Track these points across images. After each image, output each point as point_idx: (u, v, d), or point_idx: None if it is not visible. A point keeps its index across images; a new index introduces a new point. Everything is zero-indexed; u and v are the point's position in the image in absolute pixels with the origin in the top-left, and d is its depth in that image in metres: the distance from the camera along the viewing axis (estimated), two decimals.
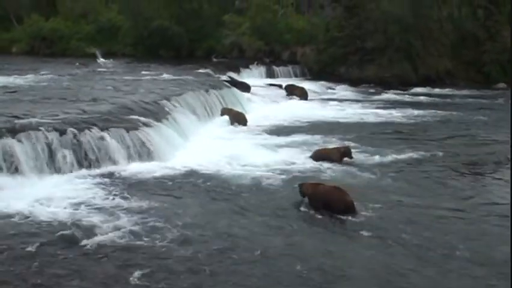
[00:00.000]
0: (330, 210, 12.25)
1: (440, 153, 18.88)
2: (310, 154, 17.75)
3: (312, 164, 16.84)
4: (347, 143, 19.17)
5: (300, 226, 11.73)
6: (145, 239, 10.59)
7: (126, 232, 10.82)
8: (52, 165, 14.46)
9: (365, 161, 17.37)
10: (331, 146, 18.59)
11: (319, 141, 20.40)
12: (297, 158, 17.60)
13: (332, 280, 9.26)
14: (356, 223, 11.85)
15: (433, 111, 29.91)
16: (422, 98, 36.72)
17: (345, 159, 17.06)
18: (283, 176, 15.32)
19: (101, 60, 46.44)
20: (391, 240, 10.97)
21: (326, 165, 16.69)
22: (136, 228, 11.07)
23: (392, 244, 10.78)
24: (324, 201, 12.43)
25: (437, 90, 40.33)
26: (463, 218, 12.42)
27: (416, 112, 29.40)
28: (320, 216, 12.22)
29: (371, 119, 27.26)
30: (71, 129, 15.53)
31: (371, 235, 11.21)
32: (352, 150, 17.51)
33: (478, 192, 14.59)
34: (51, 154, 14.61)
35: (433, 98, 36.53)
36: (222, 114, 24.56)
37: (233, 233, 11.20)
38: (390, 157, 18.06)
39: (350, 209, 12.21)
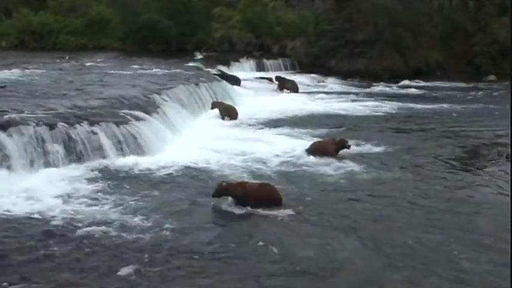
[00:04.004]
0: (259, 205, 12.28)
1: (427, 145, 19.13)
2: (304, 147, 17.75)
3: (306, 157, 16.91)
4: (338, 136, 19.03)
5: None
6: (135, 232, 10.70)
7: (116, 225, 10.94)
8: (42, 159, 14.50)
9: (355, 154, 17.39)
10: (326, 139, 18.55)
11: (311, 134, 20.49)
12: (290, 151, 17.61)
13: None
14: (284, 216, 11.95)
15: (423, 104, 30.13)
16: (412, 90, 36.93)
17: (342, 151, 17.11)
18: (276, 169, 15.53)
19: None
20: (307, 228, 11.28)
21: (319, 158, 16.73)
22: (125, 221, 11.19)
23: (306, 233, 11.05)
24: (254, 198, 12.39)
25: (427, 83, 40.47)
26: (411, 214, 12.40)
27: (406, 105, 29.58)
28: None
29: (362, 112, 27.40)
30: (62, 123, 15.58)
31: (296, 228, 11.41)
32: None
33: (462, 187, 14.53)
34: (42, 148, 14.65)
35: (423, 91, 36.73)
36: (213, 107, 24.58)
37: (217, 226, 11.43)
38: (379, 150, 18.27)
39: (278, 203, 12.35)
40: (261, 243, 10.42)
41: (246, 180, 13.68)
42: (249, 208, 12.18)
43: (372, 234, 11.07)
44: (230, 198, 12.47)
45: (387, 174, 15.39)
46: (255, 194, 12.39)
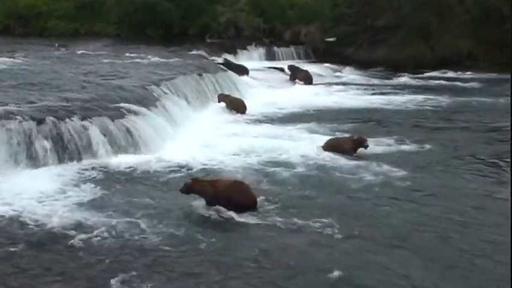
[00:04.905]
0: (231, 205, 12.17)
1: (467, 144, 18.92)
2: (319, 144, 17.66)
3: (321, 155, 16.74)
4: (356, 133, 18.83)
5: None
6: (130, 236, 10.70)
7: (109, 229, 10.91)
8: (29, 157, 14.45)
9: (381, 154, 17.18)
10: (342, 136, 18.52)
11: (326, 131, 20.39)
12: (305, 149, 17.44)
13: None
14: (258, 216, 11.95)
15: (456, 97, 29.88)
16: (440, 82, 36.70)
17: (364, 149, 16.95)
18: (283, 167, 15.43)
19: None
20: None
21: (335, 156, 16.58)
22: (120, 225, 11.16)
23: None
24: (225, 196, 12.25)
25: (455, 74, 40.19)
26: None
27: (436, 98, 29.36)
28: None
29: (382, 106, 27.27)
30: (50, 117, 15.52)
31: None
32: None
33: (479, 193, 14.02)
34: (29, 145, 14.59)
35: (451, 83, 36.42)
36: (219, 100, 24.57)
37: (219, 229, 11.41)
38: (410, 148, 18.11)
39: (253, 203, 12.30)
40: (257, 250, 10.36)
41: (247, 179, 13.61)
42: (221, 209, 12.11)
43: (385, 236, 10.88)
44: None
45: (424, 178, 14.98)
46: (225, 193, 12.22)
